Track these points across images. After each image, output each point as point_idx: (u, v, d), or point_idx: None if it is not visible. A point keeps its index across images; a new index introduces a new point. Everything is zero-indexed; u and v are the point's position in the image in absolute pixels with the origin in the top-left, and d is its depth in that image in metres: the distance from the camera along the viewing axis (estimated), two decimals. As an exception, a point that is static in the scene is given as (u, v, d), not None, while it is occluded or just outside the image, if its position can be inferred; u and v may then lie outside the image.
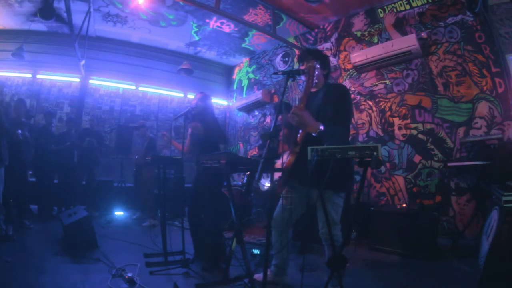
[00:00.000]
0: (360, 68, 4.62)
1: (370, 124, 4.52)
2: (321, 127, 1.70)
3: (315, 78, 1.95)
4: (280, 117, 1.82)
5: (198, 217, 2.79)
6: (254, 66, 6.99)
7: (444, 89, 3.84)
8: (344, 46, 5.06)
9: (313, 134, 1.72)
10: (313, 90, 2.09)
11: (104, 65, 6.31)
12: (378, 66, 4.43)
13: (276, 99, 6.21)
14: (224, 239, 2.78)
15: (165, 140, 3.18)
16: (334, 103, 1.85)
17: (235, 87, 7.57)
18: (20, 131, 3.74)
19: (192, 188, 2.87)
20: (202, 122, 2.80)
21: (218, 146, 3.01)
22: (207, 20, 5.49)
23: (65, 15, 4.70)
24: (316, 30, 5.55)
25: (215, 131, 2.85)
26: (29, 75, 5.87)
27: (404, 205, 3.43)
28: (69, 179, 4.91)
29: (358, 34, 4.86)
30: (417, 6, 4.18)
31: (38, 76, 5.93)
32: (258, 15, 5.18)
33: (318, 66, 1.99)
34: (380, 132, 4.41)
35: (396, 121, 4.23)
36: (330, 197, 1.86)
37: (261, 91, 6.28)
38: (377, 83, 4.53)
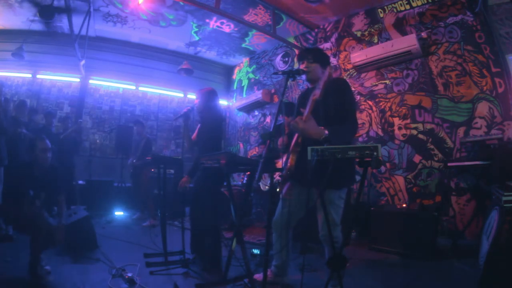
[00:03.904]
0: (360, 68, 4.61)
1: (370, 124, 4.52)
2: (326, 132, 1.70)
3: (311, 73, 2.04)
4: (283, 117, 1.83)
5: (199, 216, 2.79)
6: (254, 66, 6.98)
7: (444, 89, 3.84)
8: (344, 46, 5.05)
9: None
10: (312, 86, 2.11)
11: (104, 65, 6.31)
12: (378, 66, 4.43)
13: (276, 99, 6.21)
14: (222, 239, 2.77)
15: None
16: (334, 99, 1.85)
17: (235, 87, 7.57)
18: (25, 130, 3.76)
19: (194, 188, 2.87)
20: (206, 121, 2.79)
21: (220, 146, 2.98)
22: (207, 20, 5.49)
23: (65, 15, 4.70)
24: (316, 30, 5.55)
25: (217, 132, 2.83)
26: (29, 75, 5.87)
27: (404, 205, 3.43)
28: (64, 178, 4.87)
29: (358, 34, 4.86)
30: (417, 6, 4.18)
31: (38, 76, 5.93)
32: (258, 15, 5.18)
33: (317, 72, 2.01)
34: (380, 132, 4.41)
35: (396, 121, 4.23)
36: (331, 197, 1.86)
37: (261, 91, 6.27)
38: (377, 83, 4.53)
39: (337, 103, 1.84)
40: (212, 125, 2.80)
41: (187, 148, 3.03)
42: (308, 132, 1.73)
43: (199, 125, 2.93)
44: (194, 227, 2.84)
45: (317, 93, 1.72)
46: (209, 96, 2.91)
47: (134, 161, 4.95)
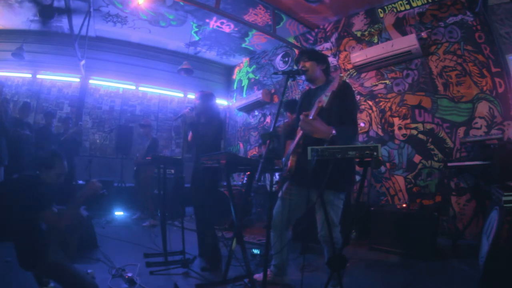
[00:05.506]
0: (360, 68, 4.61)
1: (370, 124, 4.52)
2: (333, 131, 1.69)
3: (310, 72, 2.07)
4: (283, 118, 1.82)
5: (201, 217, 2.79)
6: (254, 66, 6.99)
7: (444, 89, 3.84)
8: (344, 46, 5.05)
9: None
10: (313, 87, 2.12)
11: (104, 65, 6.31)
12: (378, 66, 4.43)
13: (276, 99, 6.21)
14: (219, 239, 2.78)
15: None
16: (338, 104, 1.84)
17: (235, 87, 7.57)
18: (28, 131, 3.75)
19: (192, 188, 2.86)
20: (206, 122, 2.78)
21: (220, 147, 2.98)
22: (207, 20, 5.49)
23: (65, 15, 4.69)
24: (316, 30, 5.55)
25: (217, 134, 2.82)
26: (29, 75, 5.86)
27: (404, 205, 3.43)
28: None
29: (358, 34, 4.86)
30: (417, 6, 4.18)
31: (38, 76, 5.93)
32: (258, 15, 5.18)
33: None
34: (380, 132, 4.41)
35: (396, 121, 4.23)
36: (330, 198, 1.86)
37: (261, 91, 6.27)
38: (377, 83, 4.53)
39: (340, 108, 1.84)
40: (212, 126, 2.80)
41: (185, 149, 3.04)
42: (317, 130, 1.72)
43: (193, 125, 2.92)
44: (200, 228, 2.85)
45: (323, 100, 1.68)
46: (208, 98, 2.92)
47: (138, 155, 4.98)
